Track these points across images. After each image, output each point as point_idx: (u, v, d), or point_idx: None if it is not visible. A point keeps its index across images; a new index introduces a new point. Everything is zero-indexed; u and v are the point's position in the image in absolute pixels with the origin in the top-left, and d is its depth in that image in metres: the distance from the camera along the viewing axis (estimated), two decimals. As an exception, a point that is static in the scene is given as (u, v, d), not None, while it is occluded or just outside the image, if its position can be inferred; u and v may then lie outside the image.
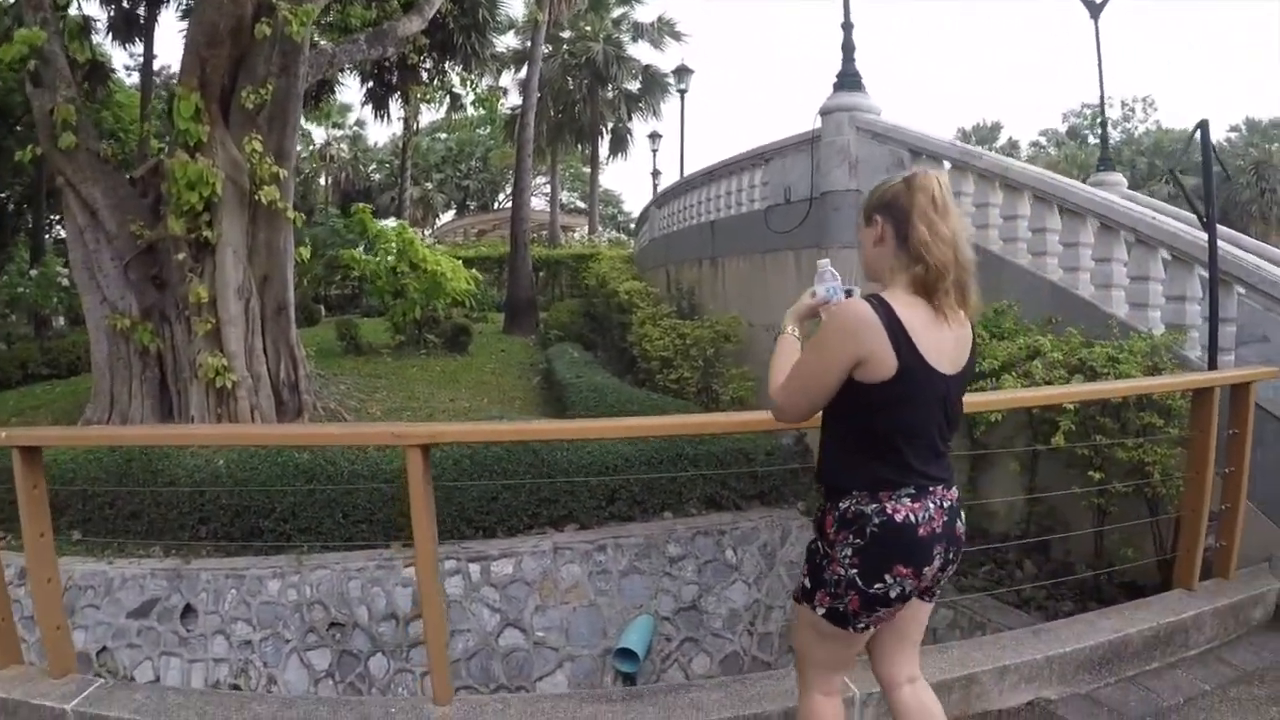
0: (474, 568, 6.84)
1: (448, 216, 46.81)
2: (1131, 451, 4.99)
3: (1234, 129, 34.58)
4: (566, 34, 29.62)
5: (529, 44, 21.55)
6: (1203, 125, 4.69)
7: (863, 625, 2.30)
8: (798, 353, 2.42)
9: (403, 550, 6.83)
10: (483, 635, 6.67)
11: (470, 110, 14.74)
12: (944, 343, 2.23)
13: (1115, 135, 34.69)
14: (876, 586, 2.21)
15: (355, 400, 11.08)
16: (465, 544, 6.97)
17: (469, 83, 11.94)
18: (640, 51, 31.58)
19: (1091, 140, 32.25)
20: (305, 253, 10.87)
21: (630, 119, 32.32)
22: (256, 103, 9.15)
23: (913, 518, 2.21)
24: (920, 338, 2.18)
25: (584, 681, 6.65)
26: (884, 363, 2.16)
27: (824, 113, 9.16)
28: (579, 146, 34.05)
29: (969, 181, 7.81)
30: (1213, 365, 4.79)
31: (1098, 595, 5.38)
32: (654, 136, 30.12)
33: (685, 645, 7.07)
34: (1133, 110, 36.90)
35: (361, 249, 16.71)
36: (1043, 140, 45.76)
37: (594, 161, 34.31)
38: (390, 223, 18.56)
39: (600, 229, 38.71)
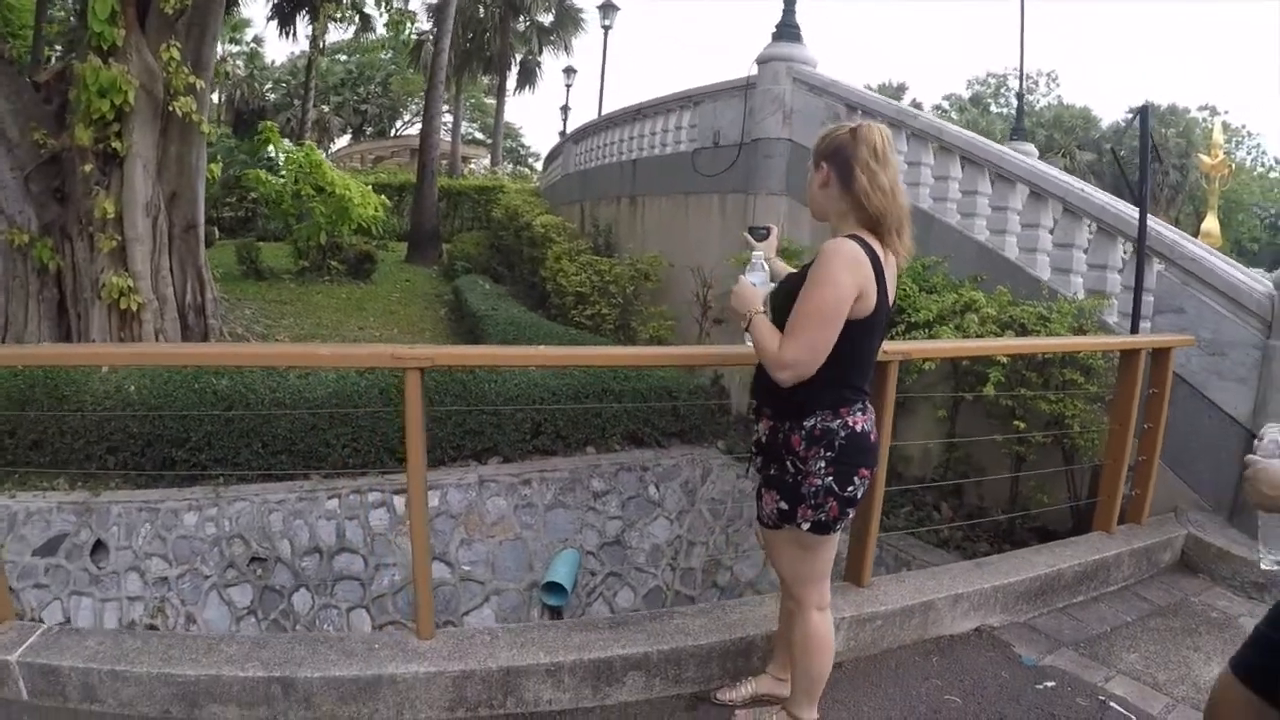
0: (399, 500, 6.76)
1: (343, 141, 44.69)
2: (1054, 405, 5.37)
3: (1133, 111, 36.40)
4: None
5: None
6: (1142, 111, 5.02)
7: (839, 528, 2.57)
8: (773, 328, 2.51)
9: (325, 481, 6.71)
10: (408, 568, 6.63)
11: (381, 32, 14.08)
12: (892, 278, 2.52)
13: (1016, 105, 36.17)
14: (849, 489, 2.49)
15: (261, 326, 10.69)
16: (390, 476, 6.87)
17: (383, 2, 11.37)
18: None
19: (994, 109, 33.49)
20: (217, 169, 10.31)
21: (541, 52, 31.55)
22: (177, 7, 8.48)
23: (866, 426, 2.52)
24: (886, 274, 2.46)
25: (511, 615, 6.72)
26: (870, 297, 2.40)
27: (761, 61, 9.22)
28: (486, 77, 33.05)
29: (902, 140, 8.03)
30: (1135, 330, 5.19)
31: (1010, 538, 5.82)
32: (569, 71, 29.52)
33: (610, 580, 7.25)
34: (1036, 84, 38.26)
35: (266, 170, 15.94)
36: (945, 105, 47.08)
37: (500, 93, 33.39)
38: (286, 144, 17.72)
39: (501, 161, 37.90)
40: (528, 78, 32.70)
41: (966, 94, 38.07)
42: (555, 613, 6.72)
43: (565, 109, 29.83)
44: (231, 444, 6.70)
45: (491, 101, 42.17)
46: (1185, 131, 34.02)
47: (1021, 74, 15.12)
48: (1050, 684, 3.41)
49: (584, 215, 14.58)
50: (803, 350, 2.37)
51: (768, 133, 9.27)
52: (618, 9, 22.08)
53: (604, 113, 16.67)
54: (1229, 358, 5.11)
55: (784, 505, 2.55)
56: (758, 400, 2.71)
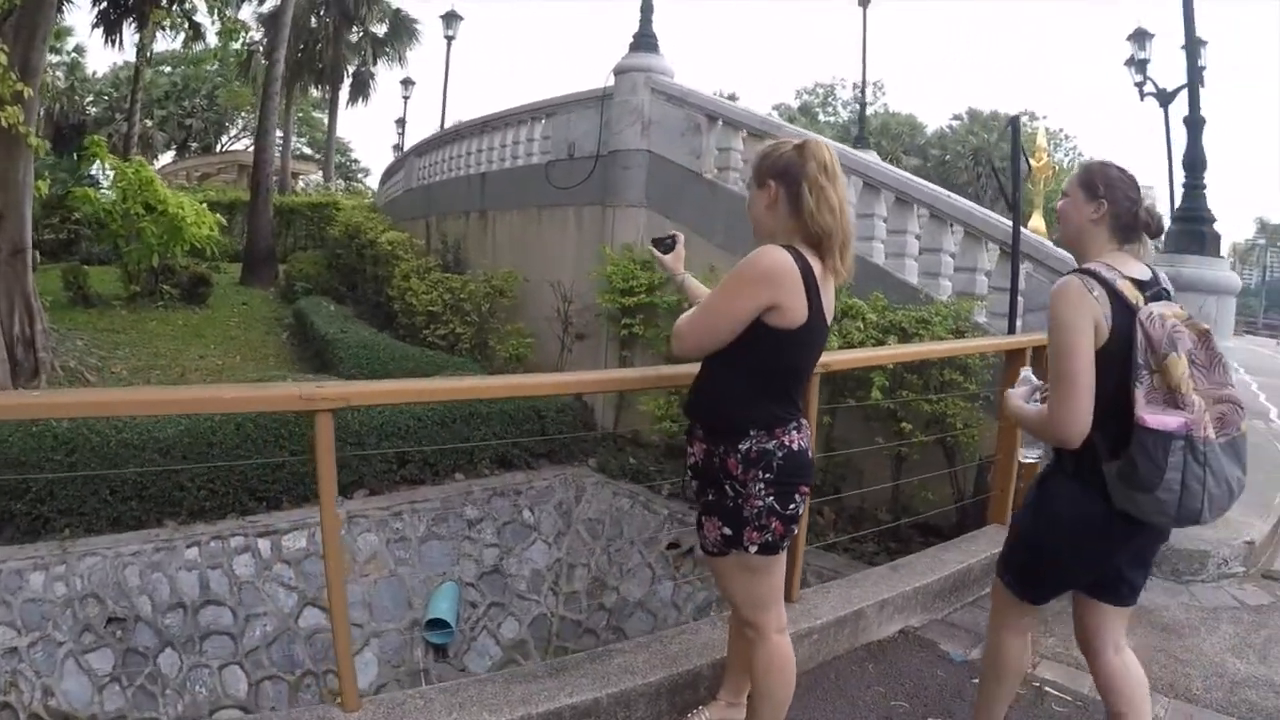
0: (264, 544, 6.19)
1: (167, 157, 41.41)
2: (936, 405, 5.49)
3: (957, 118, 38.66)
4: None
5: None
6: (1014, 121, 5.22)
7: (784, 546, 2.49)
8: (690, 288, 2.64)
9: (182, 528, 6.04)
10: (281, 617, 6.05)
11: (214, 41, 13.03)
12: (829, 296, 2.43)
13: (845, 115, 37.63)
14: (790, 508, 2.43)
15: (95, 358, 9.68)
16: (251, 518, 6.29)
17: (216, 10, 10.53)
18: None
19: (822, 118, 34.81)
20: (44, 187, 9.21)
21: (375, 63, 30.43)
22: (5, 7, 7.53)
23: (803, 443, 2.46)
24: (822, 290, 2.37)
25: (394, 658, 6.25)
26: (798, 310, 2.32)
27: (619, 71, 9.13)
28: (317, 89, 31.58)
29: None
30: (1012, 330, 5.37)
31: (895, 537, 5.90)
32: (407, 83, 28.46)
33: (492, 610, 6.88)
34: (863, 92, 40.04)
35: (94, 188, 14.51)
36: (775, 115, 48.40)
37: (333, 106, 32.00)
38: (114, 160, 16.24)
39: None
40: (361, 90, 31.50)
41: (795, 103, 39.49)
42: (440, 650, 6.30)
43: (401, 122, 28.96)
44: (76, 492, 5.91)
45: (320, 115, 40.34)
46: (1006, 137, 36.66)
47: (864, 83, 15.85)
48: None
49: (430, 231, 14.03)
50: (695, 332, 2.40)
51: (626, 144, 9.16)
52: (461, 19, 21.46)
53: (448, 125, 16.22)
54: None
55: (728, 530, 2.45)
56: (690, 420, 2.61)
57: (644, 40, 9.10)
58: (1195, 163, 5.85)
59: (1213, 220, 5.77)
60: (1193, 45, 6.05)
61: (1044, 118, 38.52)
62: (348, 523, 6.47)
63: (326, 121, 35.73)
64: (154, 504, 6.05)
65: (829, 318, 2.45)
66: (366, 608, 6.32)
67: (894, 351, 5.26)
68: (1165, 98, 16.14)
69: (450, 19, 21.49)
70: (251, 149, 38.96)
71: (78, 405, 2.57)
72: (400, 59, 29.95)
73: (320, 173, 36.55)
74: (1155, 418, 2.12)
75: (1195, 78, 6.09)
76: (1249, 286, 32.71)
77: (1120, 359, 2.17)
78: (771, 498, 2.39)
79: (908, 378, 5.70)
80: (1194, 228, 5.68)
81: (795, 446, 2.42)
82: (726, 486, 2.43)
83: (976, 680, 3.27)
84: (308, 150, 42.97)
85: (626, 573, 7.08)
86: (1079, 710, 3.24)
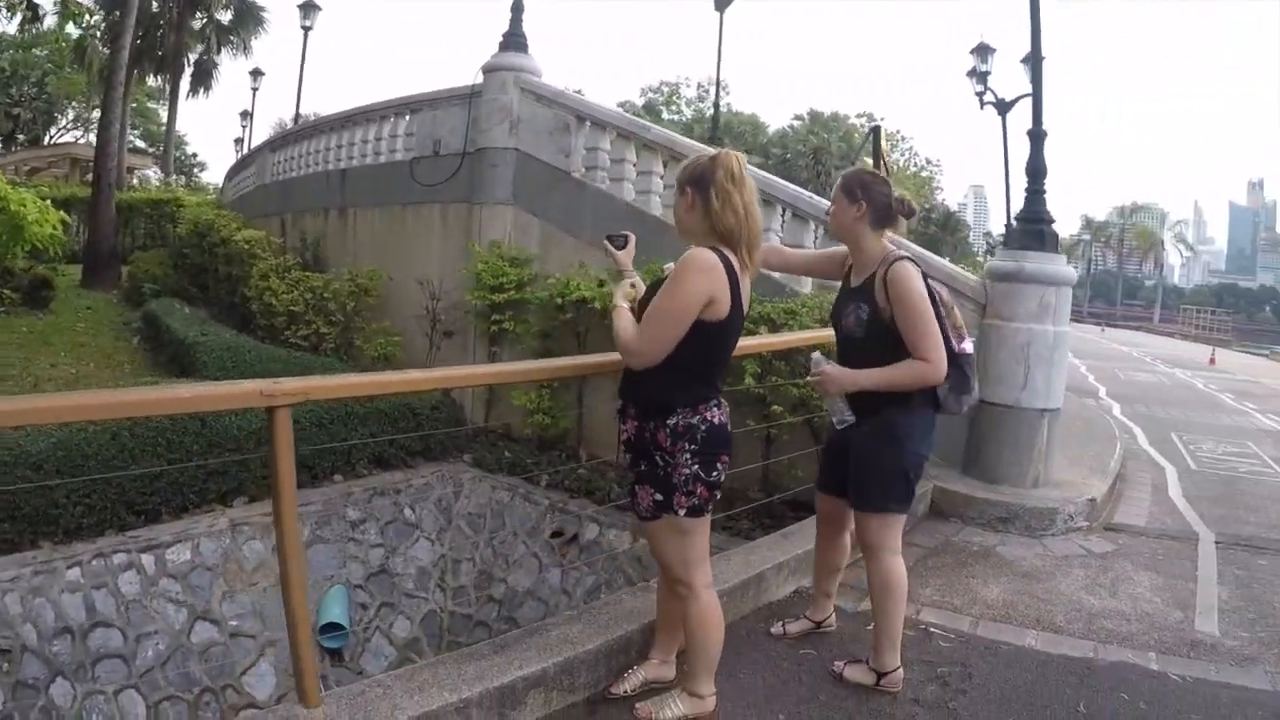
0: (147, 559, 5.97)
1: None
2: (803, 389, 5.91)
3: (798, 118, 39.98)
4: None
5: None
6: (875, 130, 5.68)
7: (709, 509, 2.82)
8: (632, 319, 2.78)
9: (60, 548, 5.74)
10: (173, 635, 5.85)
11: (51, 23, 12.06)
12: (746, 289, 2.78)
13: (689, 114, 38.34)
14: (714, 474, 2.76)
15: (-63, 371, 8.91)
16: (132, 533, 6.05)
17: None
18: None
19: (666, 115, 35.29)
20: None
21: (219, 52, 28.80)
22: None
23: (723, 419, 2.79)
24: (741, 285, 2.72)
25: (291, 666, 6.15)
26: (724, 303, 2.66)
27: (487, 70, 9.20)
28: (157, 78, 29.64)
29: (631, 150, 8.41)
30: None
31: (769, 514, 6.30)
32: (256, 74, 27.00)
33: (383, 611, 6.88)
34: (707, 92, 40.51)
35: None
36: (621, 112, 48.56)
37: (174, 97, 30.12)
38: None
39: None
40: (203, 80, 29.74)
41: (640, 101, 39.98)
42: (336, 655, 6.26)
43: (247, 115, 27.59)
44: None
45: (154, 106, 37.91)
46: (846, 137, 38.07)
47: (718, 86, 16.39)
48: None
49: (286, 228, 13.59)
50: (652, 341, 2.67)
51: (494, 142, 9.25)
52: (319, 9, 20.36)
53: (301, 119, 15.71)
54: (953, 335, 5.93)
55: (659, 496, 2.76)
56: (623, 400, 2.89)
57: (514, 40, 9.20)
58: (1037, 171, 6.49)
59: (1052, 221, 6.42)
60: (1037, 63, 6.66)
61: (882, 119, 40.56)
62: (231, 530, 6.35)
63: (163, 113, 33.64)
64: (28, 524, 5.71)
65: (745, 309, 2.78)
66: (258, 617, 6.21)
67: (765, 341, 5.62)
68: (1004, 107, 17.50)
69: (308, 9, 20.46)
70: (83, 141, 36.36)
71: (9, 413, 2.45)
72: (245, 48, 28.52)
73: (155, 168, 34.41)
74: (962, 346, 3.12)
75: (1039, 93, 6.68)
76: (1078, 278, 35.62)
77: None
78: (697, 466, 2.70)
79: (776, 364, 6.11)
80: (1035, 227, 6.31)
81: (716, 421, 2.75)
82: (657, 457, 2.76)
83: (869, 626, 3.68)
84: (140, 143, 40.30)
85: (513, 564, 7.23)
86: (960, 644, 3.77)
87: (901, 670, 3.27)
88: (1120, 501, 6.34)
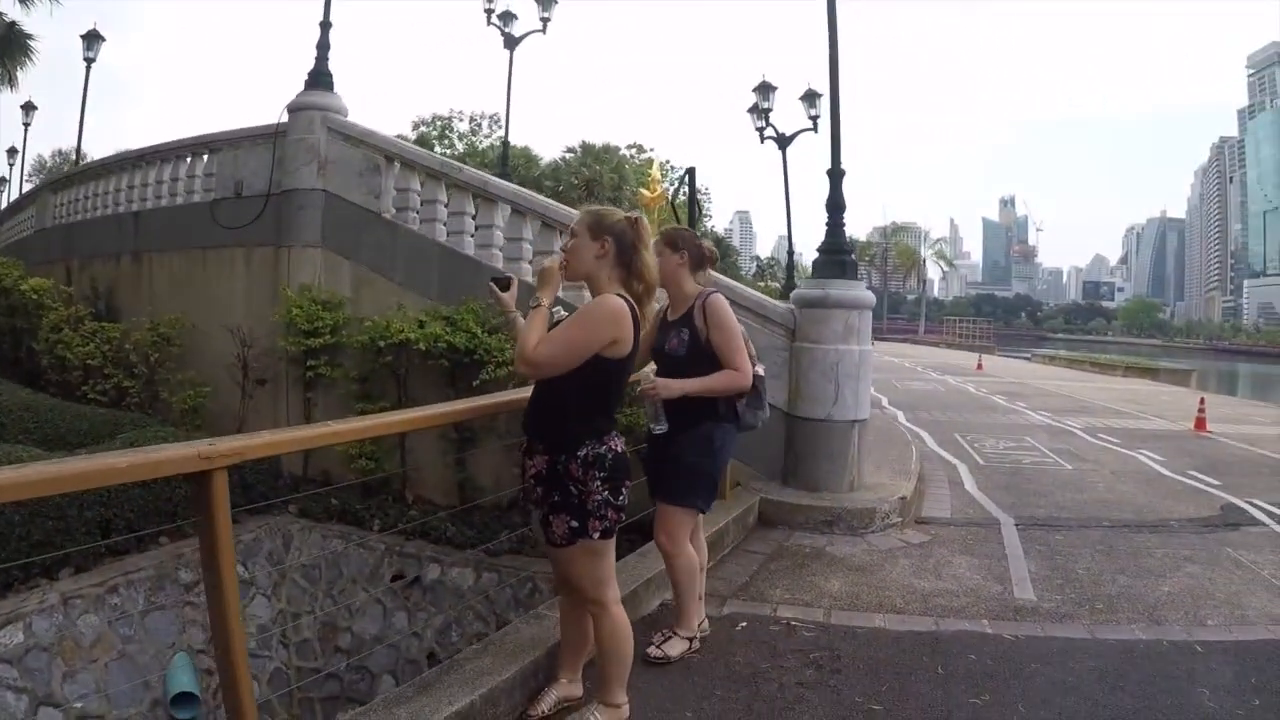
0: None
1: None
2: (628, 417, 6.20)
3: (570, 150, 40.38)
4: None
5: None
6: (690, 172, 6.11)
7: (615, 531, 3.05)
8: (545, 319, 2.99)
9: None
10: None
11: None
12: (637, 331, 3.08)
13: (460, 147, 37.90)
14: (620, 498, 3.02)
15: None
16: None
17: None
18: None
19: (439, 148, 34.62)
20: None
21: (-26, 83, 25.88)
22: None
23: (622, 448, 3.08)
24: (639, 328, 3.06)
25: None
26: (627, 344, 2.98)
27: (293, 109, 9.02)
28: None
29: (443, 190, 8.52)
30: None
31: (639, 530, 6.51)
32: (28, 108, 24.48)
33: (224, 673, 6.55)
34: (480, 125, 40.46)
35: None
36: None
37: (-76, 131, 26.77)
38: None
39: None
40: (-46, 111, 26.78)
41: (413, 135, 39.37)
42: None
43: (14, 152, 25.05)
44: None
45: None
46: (617, 168, 38.82)
47: (507, 120, 16.83)
48: (744, 624, 4.30)
49: (73, 275, 12.57)
50: (552, 356, 2.90)
51: (302, 183, 9.07)
52: (103, 39, 18.86)
53: (82, 157, 14.64)
54: (764, 359, 6.41)
55: (574, 523, 2.98)
56: (530, 437, 3.11)
57: (320, 78, 9.07)
58: (837, 205, 7.19)
59: (851, 251, 7.13)
60: (836, 106, 7.27)
61: (652, 150, 41.87)
62: (64, 605, 5.92)
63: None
64: None
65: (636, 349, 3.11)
66: (104, 697, 5.85)
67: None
68: (784, 141, 18.72)
69: (92, 39, 18.93)
70: None
71: None
72: (11, 80, 25.87)
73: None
74: (756, 369, 3.80)
75: (838, 134, 7.25)
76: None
77: None
78: (607, 492, 2.97)
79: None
80: (837, 258, 7.00)
81: (619, 449, 3.04)
82: (570, 487, 2.97)
83: (738, 627, 4.19)
84: None
85: (356, 612, 7.11)
86: (821, 632, 4.23)
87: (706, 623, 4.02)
88: (924, 498, 7.09)
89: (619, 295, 2.99)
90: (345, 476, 8.35)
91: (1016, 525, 6.38)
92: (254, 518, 8.04)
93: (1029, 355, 42.94)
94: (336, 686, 6.62)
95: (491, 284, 3.31)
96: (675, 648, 3.83)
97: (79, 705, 5.80)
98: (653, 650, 3.79)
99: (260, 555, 7.47)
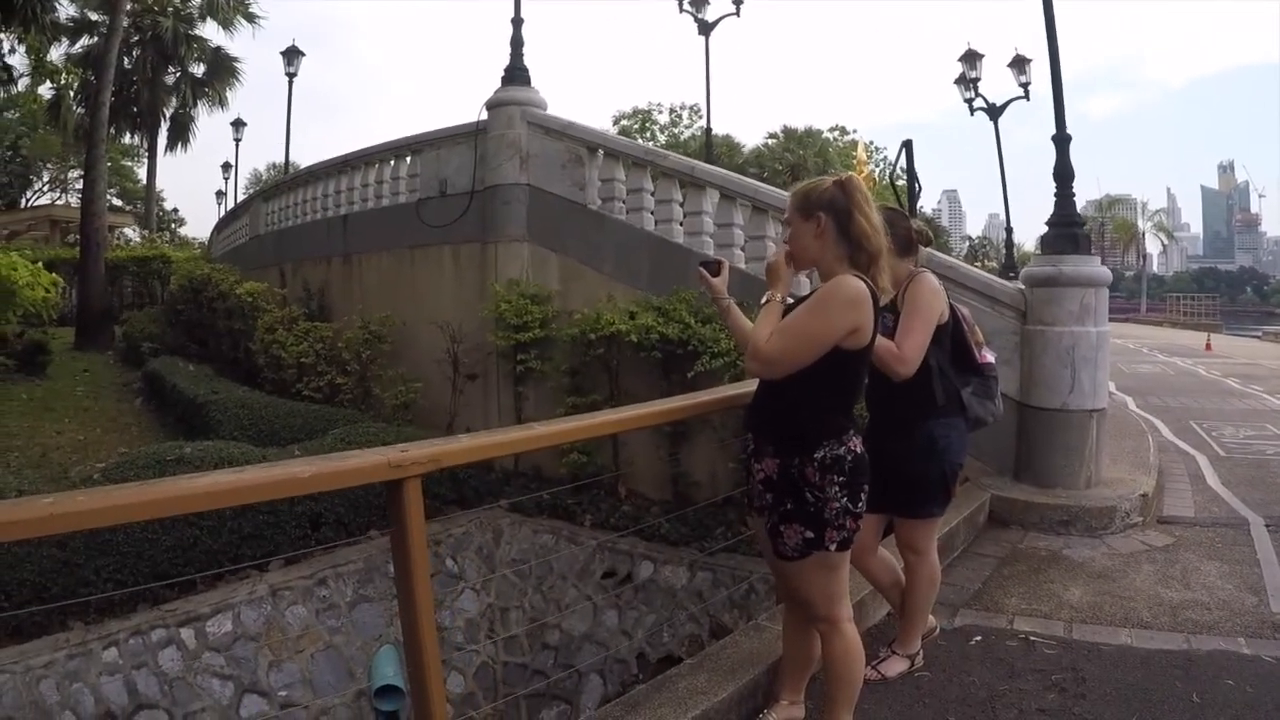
0: (187, 633, 5.73)
1: None
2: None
3: (772, 136, 39.88)
4: (129, 4, 25.54)
5: (85, 11, 18.07)
6: (907, 144, 5.57)
7: (852, 541, 2.70)
8: (778, 314, 2.64)
9: (93, 628, 5.50)
10: (220, 711, 5.60)
11: (25, 84, 11.87)
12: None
13: (663, 139, 38.14)
14: (859, 505, 2.66)
15: (-63, 446, 8.65)
16: (167, 606, 5.80)
17: (36, 50, 9.60)
18: (208, 31, 27.92)
19: (641, 141, 34.83)
20: None
21: (195, 105, 28.60)
22: None
23: (862, 448, 2.68)
24: (876, 310, 2.62)
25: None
26: (868, 332, 2.58)
27: (491, 106, 9.06)
28: (133, 135, 29.39)
29: (648, 179, 8.29)
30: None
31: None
32: (238, 124, 26.75)
33: (433, 665, 6.63)
34: (680, 115, 40.51)
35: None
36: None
37: (152, 152, 29.78)
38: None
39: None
40: (180, 134, 29.48)
41: (614, 130, 39.80)
42: (391, 718, 6.02)
43: (228, 166, 27.36)
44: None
45: (129, 164, 37.59)
46: (820, 152, 37.99)
47: (709, 110, 16.52)
48: (978, 638, 3.88)
49: (286, 279, 13.36)
50: (784, 352, 2.55)
51: (505, 178, 9.10)
52: (303, 55, 20.20)
53: (292, 167, 15.54)
54: (993, 344, 5.80)
55: (810, 534, 2.62)
56: (757, 440, 2.76)
57: (516, 74, 9.09)
58: (1065, 174, 6.43)
59: (1083, 223, 6.34)
60: (1056, 66, 6.59)
61: (854, 131, 40.54)
62: (272, 597, 6.12)
63: (141, 170, 33.28)
64: (56, 605, 5.45)
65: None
66: (307, 685, 5.98)
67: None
68: (995, 112, 17.54)
69: (291, 55, 20.29)
70: (60, 202, 35.92)
71: (98, 512, 2.15)
72: (221, 100, 28.25)
73: (134, 225, 34.06)
74: (985, 358, 3.48)
75: (1060, 97, 6.57)
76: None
77: (954, 328, 3.39)
78: (846, 498, 2.61)
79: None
80: (1068, 231, 6.23)
81: (859, 450, 2.65)
82: (806, 493, 2.61)
83: (972, 642, 3.76)
84: (117, 201, 39.97)
85: (565, 608, 7.01)
86: (1063, 648, 3.77)
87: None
88: (1165, 494, 6.34)
89: (856, 276, 2.57)
90: (556, 470, 8.33)
91: (1267, 526, 5.56)
92: (465, 511, 8.14)
93: (1259, 334, 38.76)
94: (543, 683, 6.53)
95: (701, 269, 3.00)
96: (894, 668, 3.49)
97: (284, 694, 5.95)
98: (868, 672, 3.32)
99: (470, 549, 7.51)
